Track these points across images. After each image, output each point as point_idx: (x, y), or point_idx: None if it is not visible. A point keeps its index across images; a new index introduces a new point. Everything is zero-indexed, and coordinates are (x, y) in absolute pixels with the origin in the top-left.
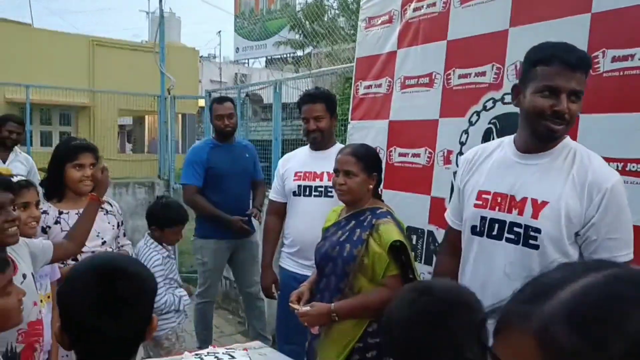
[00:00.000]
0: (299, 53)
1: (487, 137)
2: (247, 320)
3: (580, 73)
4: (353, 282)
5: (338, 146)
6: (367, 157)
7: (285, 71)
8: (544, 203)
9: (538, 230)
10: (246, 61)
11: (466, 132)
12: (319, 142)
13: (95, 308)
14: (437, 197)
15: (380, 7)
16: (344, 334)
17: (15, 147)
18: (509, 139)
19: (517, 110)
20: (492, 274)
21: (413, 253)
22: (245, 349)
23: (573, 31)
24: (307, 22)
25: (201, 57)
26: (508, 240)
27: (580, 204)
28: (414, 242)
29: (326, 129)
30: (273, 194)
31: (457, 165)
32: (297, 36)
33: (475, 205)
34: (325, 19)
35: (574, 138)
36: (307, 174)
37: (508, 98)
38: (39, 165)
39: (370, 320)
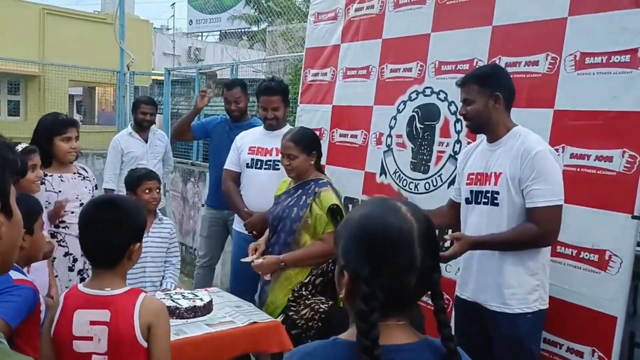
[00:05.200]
0: (254, 28)
1: (411, 122)
2: None
3: (466, 86)
4: (298, 237)
5: (287, 127)
6: (304, 140)
7: (240, 47)
8: (500, 174)
9: (498, 193)
10: (200, 34)
11: (394, 118)
12: (274, 126)
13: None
14: (370, 172)
15: (328, 4)
16: (290, 279)
17: (152, 126)
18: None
19: (434, 101)
20: (480, 227)
21: None
22: (206, 290)
23: (478, 39)
24: None
25: (154, 28)
26: (484, 203)
27: (517, 167)
28: (350, 209)
29: (281, 117)
30: (229, 164)
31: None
32: (252, 11)
33: (467, 184)
34: None
35: None
36: (260, 149)
37: (429, 91)
38: None
39: (312, 269)
